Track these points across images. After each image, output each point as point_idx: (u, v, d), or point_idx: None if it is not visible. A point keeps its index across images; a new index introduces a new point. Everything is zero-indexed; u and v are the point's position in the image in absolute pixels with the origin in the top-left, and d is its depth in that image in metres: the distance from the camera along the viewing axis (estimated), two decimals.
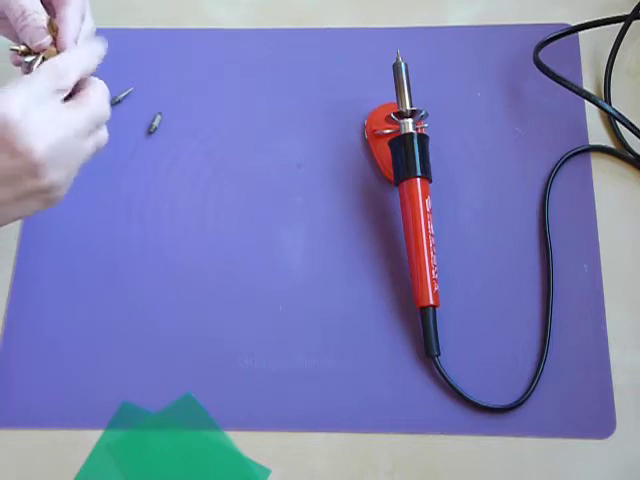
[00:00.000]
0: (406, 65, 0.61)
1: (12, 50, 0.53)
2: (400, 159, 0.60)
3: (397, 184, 0.60)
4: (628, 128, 0.63)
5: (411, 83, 0.61)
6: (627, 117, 0.62)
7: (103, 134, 0.53)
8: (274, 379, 0.58)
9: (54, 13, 0.53)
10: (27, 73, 0.53)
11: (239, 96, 0.67)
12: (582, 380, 0.57)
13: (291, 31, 0.70)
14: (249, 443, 0.56)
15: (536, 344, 0.58)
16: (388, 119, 0.61)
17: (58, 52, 0.52)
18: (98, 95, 0.52)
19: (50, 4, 0.54)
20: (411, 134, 0.60)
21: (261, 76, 0.68)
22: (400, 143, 0.60)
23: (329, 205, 0.63)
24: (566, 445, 0.56)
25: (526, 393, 0.56)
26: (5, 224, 0.52)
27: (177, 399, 0.57)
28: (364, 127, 0.65)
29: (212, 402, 0.57)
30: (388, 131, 0.63)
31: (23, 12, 0.52)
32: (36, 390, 0.58)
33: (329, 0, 0.71)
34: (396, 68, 0.61)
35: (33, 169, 0.48)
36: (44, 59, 0.52)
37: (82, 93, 0.51)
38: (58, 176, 0.50)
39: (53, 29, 0.52)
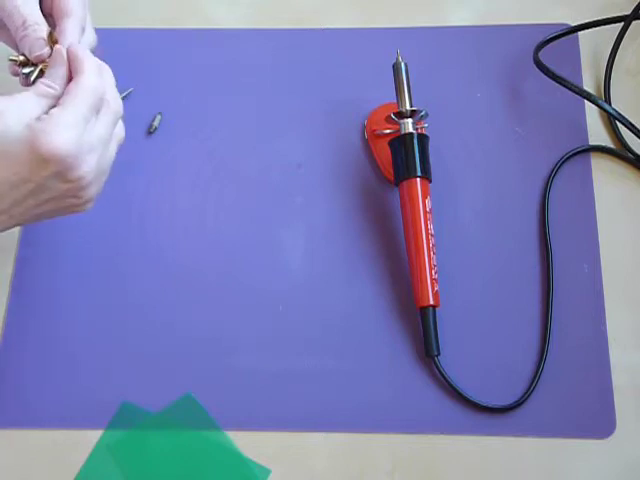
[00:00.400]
0: (406, 65, 0.61)
1: (11, 60, 0.53)
2: (400, 159, 0.60)
3: (397, 184, 0.60)
4: (628, 128, 0.63)
5: (411, 83, 0.61)
6: (627, 117, 0.62)
7: (121, 131, 0.55)
8: (274, 379, 0.58)
9: (54, 25, 0.54)
10: (25, 85, 0.53)
11: (239, 96, 0.67)
12: (582, 380, 0.57)
13: (291, 31, 0.70)
14: (249, 443, 0.56)
15: (536, 344, 0.58)
16: (388, 119, 0.61)
17: None
18: (114, 91, 0.52)
19: (51, 15, 0.54)
20: (411, 134, 0.60)
21: (261, 76, 0.68)
22: (400, 143, 0.60)
23: (329, 205, 0.63)
24: (566, 445, 0.56)
25: (526, 393, 0.57)
26: (25, 224, 0.54)
27: (177, 399, 0.57)
28: (364, 127, 0.65)
29: (212, 402, 0.57)
30: (388, 131, 0.63)
31: (24, 22, 0.52)
32: (36, 390, 0.58)
33: (329, 0, 0.71)
34: (396, 68, 0.61)
35: (78, 191, 0.50)
36: (42, 71, 0.52)
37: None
38: (93, 192, 0.52)
39: (52, 41, 0.52)
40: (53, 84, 0.50)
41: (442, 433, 0.56)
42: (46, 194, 0.50)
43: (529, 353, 0.58)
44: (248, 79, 0.68)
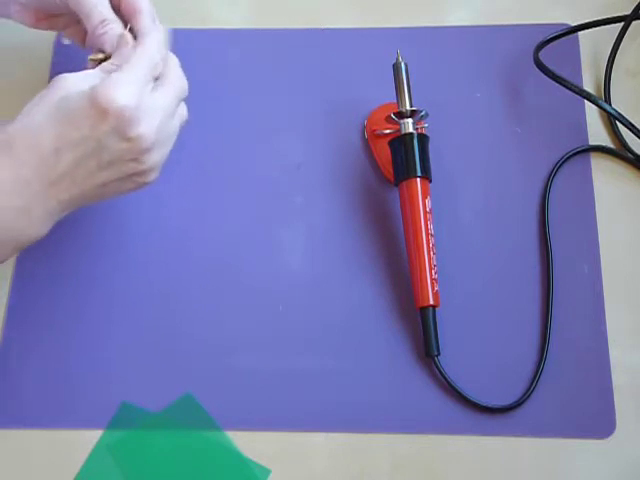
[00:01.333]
0: (406, 65, 0.61)
1: (91, 60, 0.55)
2: (400, 159, 0.60)
3: (397, 184, 0.60)
4: (628, 128, 0.63)
5: (411, 83, 0.61)
6: (627, 117, 0.62)
7: (183, 111, 0.56)
8: (274, 379, 0.58)
9: (125, 22, 0.56)
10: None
11: (239, 96, 0.67)
12: (582, 380, 0.57)
13: (291, 31, 0.70)
14: (249, 443, 0.56)
15: (536, 344, 0.58)
16: (388, 119, 0.61)
17: None
18: (177, 71, 0.55)
19: (118, 11, 0.56)
20: (411, 134, 0.60)
21: (261, 76, 0.68)
22: (400, 143, 0.60)
23: (329, 205, 0.63)
24: (566, 445, 0.56)
25: (526, 393, 0.57)
26: (94, 203, 0.55)
27: (177, 399, 0.57)
28: (364, 127, 0.65)
29: (212, 402, 0.57)
30: (388, 131, 0.63)
31: (102, 20, 0.55)
32: (36, 390, 0.58)
33: (329, 0, 0.71)
34: (396, 68, 0.61)
35: (139, 154, 0.51)
36: None
37: (163, 72, 0.54)
38: (156, 159, 0.53)
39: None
40: (118, 63, 0.53)
41: (442, 433, 0.56)
42: (106, 154, 0.50)
43: (529, 353, 0.58)
44: (248, 79, 0.68)
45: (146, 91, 0.51)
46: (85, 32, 0.57)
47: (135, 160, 0.52)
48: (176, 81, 0.54)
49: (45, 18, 0.60)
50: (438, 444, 0.56)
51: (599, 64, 0.68)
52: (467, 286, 0.60)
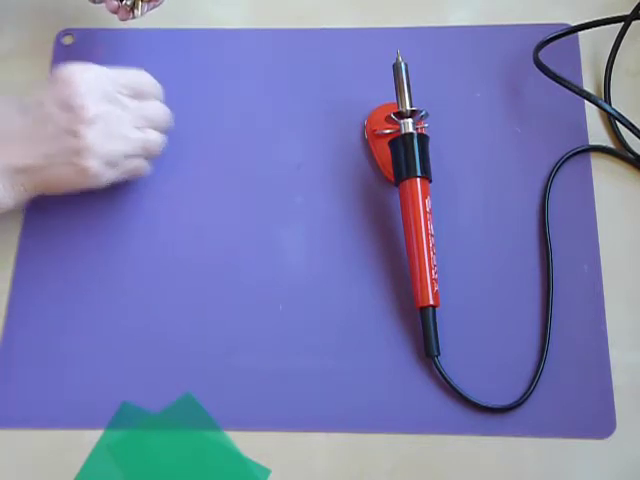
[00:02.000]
0: (406, 65, 0.61)
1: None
2: (400, 159, 0.60)
3: (397, 184, 0.60)
4: (628, 128, 0.63)
5: (411, 83, 0.61)
6: (627, 117, 0.62)
7: (154, 136, 0.58)
8: (274, 379, 0.58)
9: None
10: (125, 18, 0.60)
11: (239, 96, 0.67)
12: (582, 380, 0.57)
13: (291, 31, 0.70)
14: (249, 443, 0.56)
15: (536, 344, 0.58)
16: (388, 119, 0.61)
17: None
18: (158, 104, 0.59)
19: None
20: (411, 134, 0.60)
21: (261, 76, 0.68)
22: (400, 143, 0.60)
23: (329, 205, 0.63)
24: (566, 445, 0.56)
25: (526, 393, 0.57)
26: (48, 188, 0.57)
27: (177, 399, 0.57)
28: (364, 127, 0.65)
29: (212, 402, 0.57)
30: (388, 131, 0.63)
31: None
32: (36, 390, 0.58)
33: (329, 0, 0.71)
34: (396, 68, 0.61)
35: (79, 125, 0.53)
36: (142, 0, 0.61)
37: (145, 96, 0.59)
38: (94, 139, 0.54)
39: None
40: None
41: (442, 433, 0.56)
42: (50, 126, 0.54)
43: (529, 353, 0.58)
44: (248, 79, 0.68)
45: (110, 86, 0.55)
46: None
47: (74, 134, 0.53)
48: (151, 106, 0.58)
49: None
50: (438, 444, 0.56)
51: (599, 64, 0.68)
52: (467, 286, 0.60)
